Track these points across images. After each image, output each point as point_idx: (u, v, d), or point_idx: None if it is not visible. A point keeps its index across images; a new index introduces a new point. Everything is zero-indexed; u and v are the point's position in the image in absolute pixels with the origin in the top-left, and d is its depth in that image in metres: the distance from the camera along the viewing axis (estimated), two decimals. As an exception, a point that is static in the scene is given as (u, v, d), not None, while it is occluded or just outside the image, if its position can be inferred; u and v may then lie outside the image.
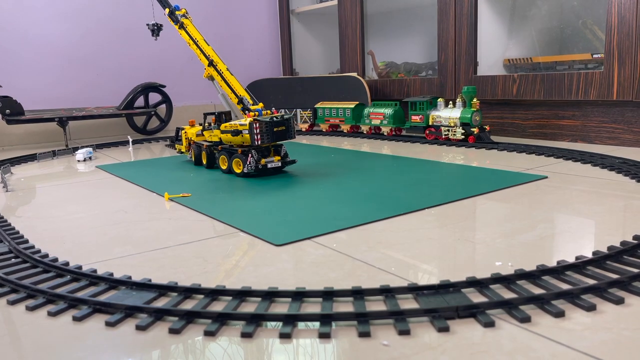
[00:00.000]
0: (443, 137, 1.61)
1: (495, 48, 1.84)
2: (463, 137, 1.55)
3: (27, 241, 0.79)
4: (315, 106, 1.98)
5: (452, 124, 1.57)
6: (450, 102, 1.62)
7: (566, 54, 1.75)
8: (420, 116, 1.65)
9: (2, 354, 0.47)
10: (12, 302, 0.57)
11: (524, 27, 1.88)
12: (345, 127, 1.91)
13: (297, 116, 2.00)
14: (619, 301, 0.51)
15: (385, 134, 1.78)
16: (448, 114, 1.58)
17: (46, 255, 0.71)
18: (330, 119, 1.94)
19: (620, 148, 1.44)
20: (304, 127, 2.03)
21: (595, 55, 1.61)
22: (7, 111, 1.89)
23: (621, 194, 0.94)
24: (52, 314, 0.54)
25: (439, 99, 1.63)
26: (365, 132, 1.85)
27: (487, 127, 1.55)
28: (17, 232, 0.83)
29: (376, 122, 1.80)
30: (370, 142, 1.72)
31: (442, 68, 1.85)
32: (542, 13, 1.84)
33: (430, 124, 1.64)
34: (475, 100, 1.53)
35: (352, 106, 1.87)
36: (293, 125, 1.22)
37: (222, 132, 1.26)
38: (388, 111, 1.76)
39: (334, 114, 1.92)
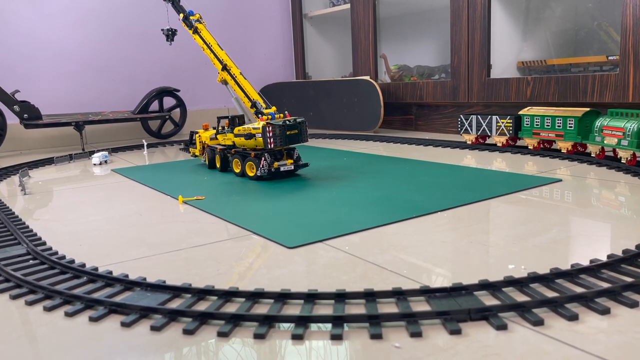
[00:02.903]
0: None
1: (508, 50, 1.83)
2: None
3: (44, 243, 0.80)
4: (520, 113, 1.46)
5: None
6: None
7: (581, 56, 1.74)
8: None
9: (20, 353, 0.48)
10: (30, 303, 0.58)
11: (538, 29, 1.86)
12: (564, 146, 1.33)
13: (493, 125, 1.49)
14: (634, 304, 0.51)
15: (624, 161, 1.17)
16: None
17: (63, 257, 0.72)
18: (541, 132, 1.39)
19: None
20: (500, 140, 1.50)
21: (610, 57, 1.59)
22: (25, 115, 1.92)
23: (638, 197, 0.93)
24: (69, 315, 0.55)
25: None
26: (594, 154, 1.26)
27: None
28: (35, 235, 0.84)
29: (611, 141, 1.18)
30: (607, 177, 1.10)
31: (455, 71, 1.84)
32: (556, 15, 1.83)
33: None
34: None
35: (579, 115, 1.29)
36: (305, 128, 1.23)
37: (236, 135, 1.27)
38: (632, 125, 1.13)
39: (547, 124, 1.37)
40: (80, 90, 2.25)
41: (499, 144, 1.50)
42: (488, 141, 1.62)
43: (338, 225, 0.82)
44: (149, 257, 0.73)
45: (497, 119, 1.49)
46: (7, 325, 0.54)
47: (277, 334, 0.49)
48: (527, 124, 1.43)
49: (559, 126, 1.34)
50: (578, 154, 1.31)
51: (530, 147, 1.43)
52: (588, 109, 1.31)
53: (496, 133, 1.50)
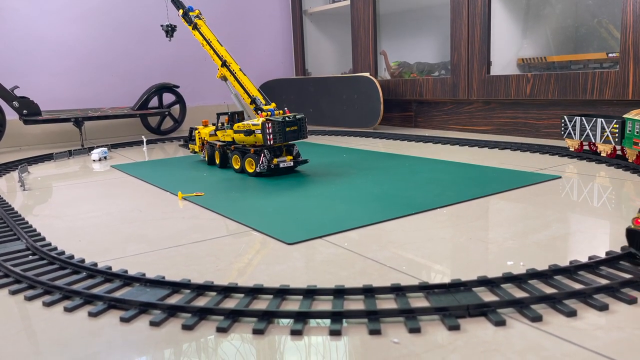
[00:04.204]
0: None
1: (508, 47, 1.83)
2: None
3: (44, 239, 0.80)
4: (625, 116, 1.15)
5: None
6: None
7: (581, 53, 1.74)
8: None
9: (19, 348, 0.48)
10: (30, 298, 0.58)
11: (538, 26, 1.86)
12: None
13: (597, 130, 1.20)
14: (632, 301, 0.51)
15: None
16: None
17: (62, 253, 0.72)
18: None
19: (636, 148, 1.42)
20: (605, 150, 1.21)
21: (610, 55, 1.59)
22: (25, 111, 1.92)
23: (636, 194, 0.93)
24: (68, 310, 0.55)
25: None
26: None
27: None
28: (35, 230, 0.84)
29: None
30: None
31: (455, 68, 1.84)
32: (556, 12, 1.82)
33: None
34: None
35: None
36: (305, 125, 1.23)
37: (235, 132, 1.27)
38: None
39: None
40: (79, 87, 2.24)
41: (604, 154, 1.21)
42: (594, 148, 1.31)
43: (337, 222, 0.82)
44: (148, 253, 0.73)
45: (602, 122, 1.19)
46: (7, 321, 0.54)
47: (276, 329, 0.50)
48: (630, 131, 1.11)
49: None
50: None
51: (630, 160, 1.12)
52: None
53: (601, 140, 1.21)
